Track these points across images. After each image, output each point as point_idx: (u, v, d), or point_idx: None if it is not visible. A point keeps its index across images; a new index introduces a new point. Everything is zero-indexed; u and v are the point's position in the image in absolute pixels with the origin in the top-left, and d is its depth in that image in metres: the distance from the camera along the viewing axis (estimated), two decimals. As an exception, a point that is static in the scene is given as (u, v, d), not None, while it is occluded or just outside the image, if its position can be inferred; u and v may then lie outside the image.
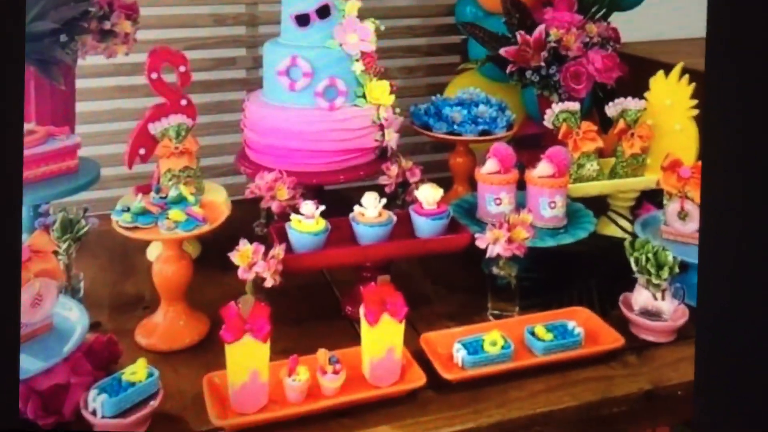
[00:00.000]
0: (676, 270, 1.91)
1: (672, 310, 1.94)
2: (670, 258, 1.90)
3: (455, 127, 2.62)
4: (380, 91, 2.48)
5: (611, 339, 1.91)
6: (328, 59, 2.42)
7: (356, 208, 2.05)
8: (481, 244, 2.00)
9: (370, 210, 2.03)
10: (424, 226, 2.07)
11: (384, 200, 2.06)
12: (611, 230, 2.50)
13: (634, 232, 2.25)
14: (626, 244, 1.95)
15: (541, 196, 2.25)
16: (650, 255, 1.91)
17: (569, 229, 2.27)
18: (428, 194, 2.07)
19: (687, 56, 2.56)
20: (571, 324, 1.91)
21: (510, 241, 1.98)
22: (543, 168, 2.25)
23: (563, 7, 2.82)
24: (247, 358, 1.63)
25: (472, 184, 2.44)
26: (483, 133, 2.62)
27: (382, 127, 2.47)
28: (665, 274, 1.90)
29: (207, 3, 3.26)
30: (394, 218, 2.05)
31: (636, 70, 2.73)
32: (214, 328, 1.91)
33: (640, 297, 1.96)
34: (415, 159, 2.47)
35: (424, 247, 2.09)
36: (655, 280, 1.91)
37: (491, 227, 2.00)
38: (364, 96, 2.47)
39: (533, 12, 2.89)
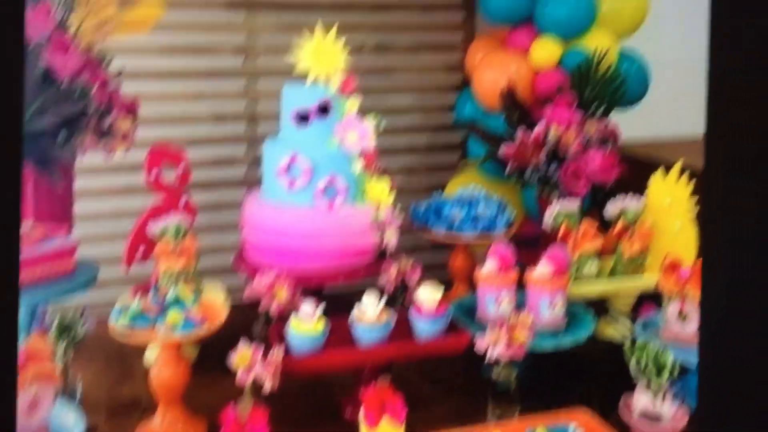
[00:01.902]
0: (676, 373, 1.92)
1: (672, 412, 1.95)
2: (669, 361, 1.91)
3: (455, 226, 2.66)
4: (380, 190, 2.51)
5: None
6: (328, 157, 2.47)
7: (356, 309, 2.07)
8: (480, 348, 2.02)
9: (369, 311, 2.06)
10: (424, 328, 2.10)
11: (384, 301, 2.09)
12: (611, 332, 2.52)
13: (634, 334, 2.26)
14: (625, 346, 1.97)
15: (542, 296, 2.28)
16: (650, 357, 1.92)
17: (569, 330, 2.29)
18: (428, 296, 2.10)
19: (686, 155, 2.61)
20: (571, 426, 1.91)
21: (509, 343, 2.00)
22: (543, 268, 2.28)
23: (563, 105, 2.88)
24: None
25: (473, 284, 2.47)
26: (482, 231, 2.66)
27: (381, 227, 2.49)
28: (665, 377, 1.91)
29: (207, 100, 3.33)
30: (394, 320, 2.08)
31: (635, 169, 2.78)
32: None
33: (640, 400, 1.96)
34: (414, 258, 2.49)
35: (423, 351, 2.12)
36: (654, 383, 1.92)
37: (491, 329, 2.03)
38: (363, 195, 2.51)
39: (533, 110, 2.96)
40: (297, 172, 2.44)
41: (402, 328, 2.11)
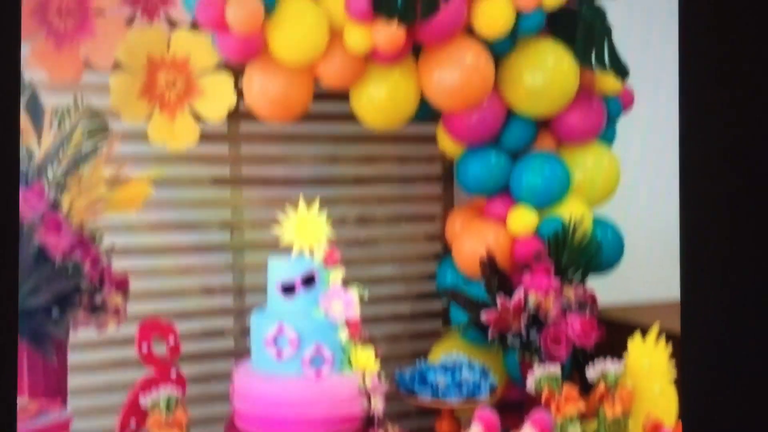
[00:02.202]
0: None
1: None
2: None
3: (440, 392, 2.73)
4: (366, 358, 2.58)
5: None
6: (313, 327, 2.56)
7: None
8: None
9: None
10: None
11: None
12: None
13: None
14: None
15: (526, 460, 2.33)
16: None
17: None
18: None
19: (662, 318, 2.70)
20: None
21: None
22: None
23: (541, 272, 2.99)
24: None
25: (459, 449, 2.52)
26: (467, 397, 2.72)
27: (368, 394, 2.55)
28: None
29: (195, 274, 3.41)
30: None
31: (613, 333, 2.87)
32: None
33: None
34: (401, 424, 2.54)
35: None
36: None
37: None
38: (350, 363, 2.58)
39: (512, 276, 3.06)
40: (284, 342, 2.52)
41: None
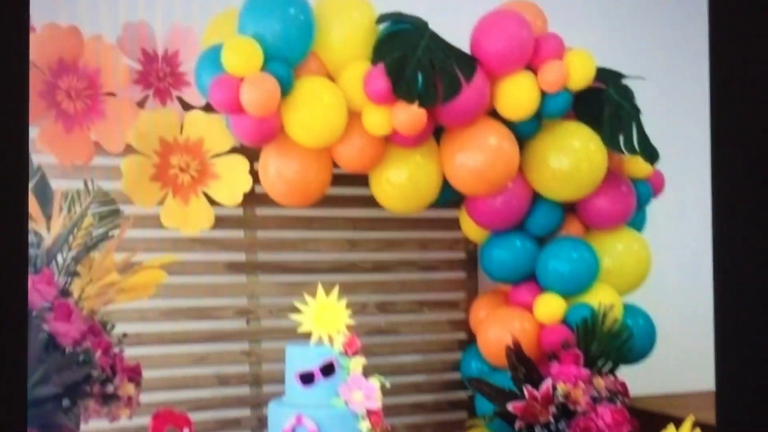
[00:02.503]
0: None
1: None
2: None
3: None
4: (388, 450, 2.53)
5: None
6: (333, 418, 2.50)
7: None
8: None
9: None
10: None
11: None
12: None
13: None
14: None
15: None
16: None
17: None
18: None
19: (696, 410, 2.64)
20: None
21: None
22: None
23: (569, 361, 2.94)
24: None
25: None
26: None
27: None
28: None
29: (210, 363, 3.37)
30: None
31: (646, 424, 2.81)
32: None
33: None
34: None
35: None
36: None
37: None
38: (371, 455, 2.52)
39: (539, 366, 3.01)
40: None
41: None
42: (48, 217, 2.59)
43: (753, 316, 1.36)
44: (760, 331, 1.36)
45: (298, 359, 2.59)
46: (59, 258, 2.61)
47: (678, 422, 2.60)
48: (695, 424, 2.57)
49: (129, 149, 3.04)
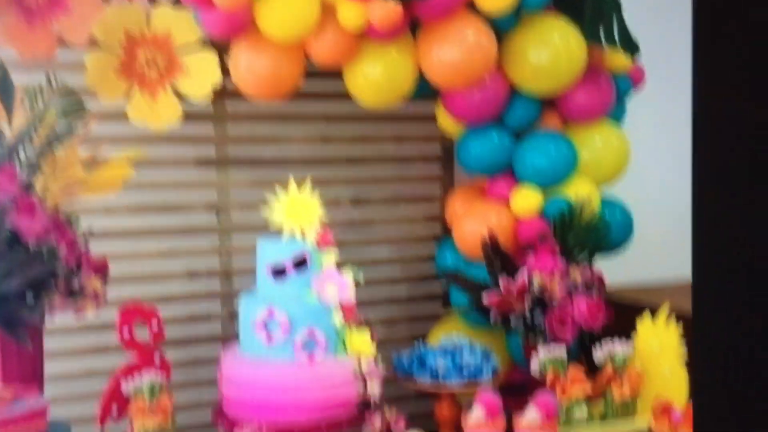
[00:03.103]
0: None
1: None
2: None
3: (440, 375, 2.71)
4: (361, 342, 2.57)
5: None
6: (306, 311, 2.54)
7: None
8: None
9: None
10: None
11: None
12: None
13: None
14: None
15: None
16: None
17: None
18: None
19: (673, 299, 2.69)
20: None
21: None
22: (531, 415, 2.33)
23: (546, 253, 2.98)
24: None
25: (459, 432, 2.51)
26: (469, 380, 2.71)
27: (364, 379, 2.54)
28: None
29: (179, 257, 3.39)
30: None
31: (622, 314, 2.86)
32: None
33: None
34: (399, 408, 2.53)
35: None
36: None
37: None
38: (344, 347, 2.56)
39: (515, 258, 3.05)
40: (275, 326, 2.50)
41: None
42: (9, 113, 2.58)
43: (731, 208, 1.37)
44: (737, 222, 1.37)
45: (270, 253, 2.61)
46: (21, 153, 2.61)
47: (654, 311, 2.64)
48: (670, 314, 2.62)
49: (93, 43, 3.02)
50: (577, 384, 2.52)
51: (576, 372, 2.54)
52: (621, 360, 2.59)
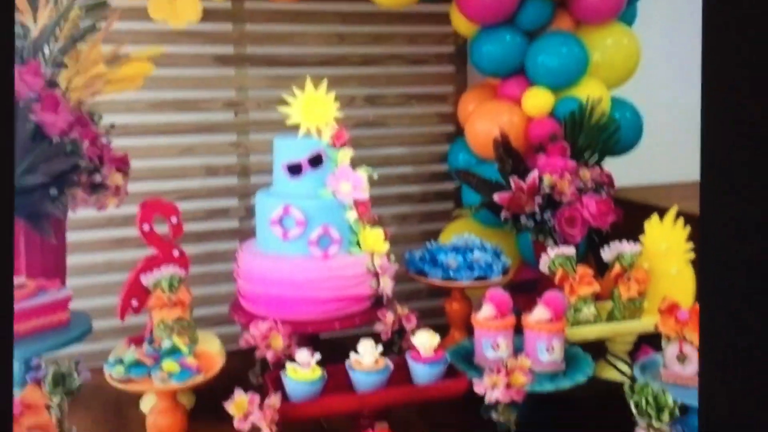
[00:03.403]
0: (677, 413, 1.94)
1: None
2: (670, 401, 1.93)
3: (451, 273, 2.70)
4: (374, 239, 2.55)
5: None
6: (321, 208, 2.51)
7: (352, 355, 2.11)
8: (479, 390, 2.05)
9: (366, 358, 2.09)
10: (422, 373, 2.13)
11: (380, 347, 2.12)
12: (610, 374, 2.56)
13: (633, 376, 2.29)
14: (626, 387, 2.00)
15: (539, 340, 2.32)
16: (650, 398, 1.94)
17: (568, 373, 2.33)
18: (425, 341, 2.13)
19: (681, 200, 2.66)
20: None
21: (508, 386, 2.03)
22: (540, 313, 2.32)
23: (556, 153, 2.94)
24: None
25: (469, 330, 2.51)
26: (479, 278, 2.70)
27: (377, 275, 2.53)
28: (666, 417, 1.93)
29: (198, 154, 3.38)
30: (391, 366, 2.11)
31: (631, 215, 2.83)
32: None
33: None
34: (411, 305, 2.52)
35: (422, 394, 2.15)
36: (655, 424, 1.94)
37: (489, 372, 2.06)
38: (358, 244, 2.55)
39: (526, 158, 3.02)
40: (291, 223, 2.48)
41: (400, 374, 2.15)
42: (34, 9, 2.53)
43: (739, 107, 1.34)
44: (745, 122, 1.34)
45: (286, 151, 2.57)
46: (46, 49, 2.56)
47: (662, 212, 2.61)
48: (679, 214, 2.58)
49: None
50: (586, 283, 2.49)
51: (584, 271, 2.52)
52: (629, 260, 2.56)
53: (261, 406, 1.91)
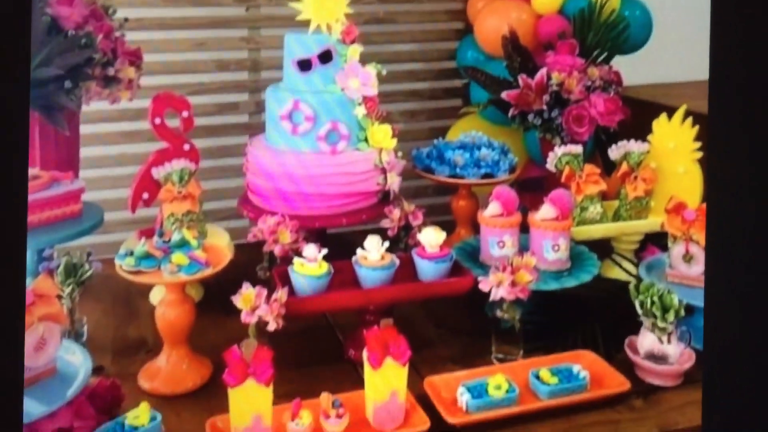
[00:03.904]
0: (682, 313, 1.90)
1: (678, 353, 1.93)
2: (675, 301, 1.89)
3: (458, 170, 2.64)
4: (382, 135, 2.48)
5: (617, 383, 1.90)
6: (330, 104, 2.44)
7: (359, 251, 2.05)
8: (484, 287, 2.00)
9: (372, 253, 2.04)
10: (427, 270, 2.07)
11: (387, 243, 2.07)
12: (615, 273, 2.50)
13: (638, 275, 2.25)
14: (631, 287, 1.95)
15: (545, 239, 2.26)
16: (655, 298, 1.90)
17: (573, 272, 2.27)
18: (431, 237, 2.07)
19: (690, 99, 2.57)
20: (576, 367, 1.90)
21: (513, 284, 1.98)
22: (546, 211, 2.26)
23: (565, 51, 2.86)
24: (250, 402, 1.63)
25: (475, 227, 2.45)
26: (485, 176, 2.63)
27: (384, 171, 2.47)
28: (671, 317, 1.89)
29: (210, 49, 3.31)
30: (397, 262, 2.05)
31: (639, 113, 2.75)
32: (217, 372, 1.90)
33: (646, 340, 1.95)
34: (417, 202, 2.47)
35: (427, 291, 2.09)
36: (660, 324, 1.90)
37: (494, 270, 2.00)
38: (366, 140, 2.48)
39: (535, 55, 2.93)
40: (300, 118, 2.41)
41: (405, 270, 2.08)
42: None
43: (749, 5, 1.28)
44: (756, 18, 1.28)
45: (296, 46, 2.49)
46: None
47: (671, 111, 2.53)
48: (688, 113, 2.50)
49: None
50: (592, 182, 2.43)
51: (591, 170, 2.45)
52: (636, 158, 2.49)
53: (268, 300, 1.87)
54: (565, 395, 1.84)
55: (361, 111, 2.46)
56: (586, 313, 2.29)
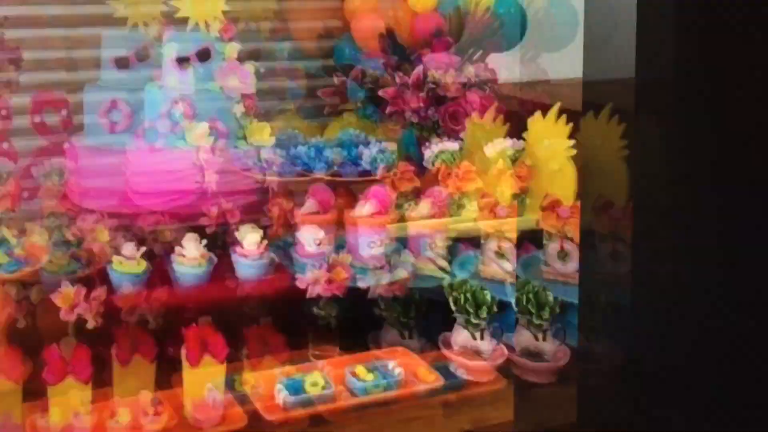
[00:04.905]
0: (495, 309, 1.93)
1: (493, 348, 1.96)
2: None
3: (336, 168, 2.58)
4: (261, 133, 2.46)
5: (431, 378, 1.96)
6: (208, 101, 2.40)
7: (177, 249, 2.05)
8: (301, 285, 2.01)
9: (190, 252, 2.04)
10: (245, 268, 2.07)
11: (205, 241, 2.08)
12: (430, 269, 2.46)
13: (452, 272, 2.23)
14: (444, 284, 1.97)
15: (362, 235, 2.24)
16: (468, 295, 1.93)
17: (391, 269, 2.26)
18: (248, 236, 2.09)
19: (564, 97, 2.58)
20: (391, 364, 1.94)
21: (330, 281, 1.98)
22: (364, 208, 2.24)
23: (441, 49, 2.86)
24: (69, 400, 1.64)
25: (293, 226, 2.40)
26: (363, 173, 2.57)
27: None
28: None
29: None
30: (215, 260, 2.06)
31: (515, 111, 2.75)
32: (38, 370, 1.85)
33: (460, 336, 1.98)
34: (297, 201, 2.42)
35: (245, 289, 2.10)
36: (474, 320, 1.93)
37: (311, 268, 2.01)
38: (245, 137, 2.43)
39: (411, 53, 2.93)
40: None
41: (224, 268, 2.11)
42: None
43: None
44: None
45: (176, 43, 2.42)
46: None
47: (545, 109, 2.53)
48: (562, 112, 2.50)
49: None
50: (469, 179, 2.43)
51: (468, 167, 2.44)
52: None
53: (87, 298, 1.86)
54: (380, 391, 1.89)
55: (239, 109, 2.43)
56: (407, 309, 2.29)
